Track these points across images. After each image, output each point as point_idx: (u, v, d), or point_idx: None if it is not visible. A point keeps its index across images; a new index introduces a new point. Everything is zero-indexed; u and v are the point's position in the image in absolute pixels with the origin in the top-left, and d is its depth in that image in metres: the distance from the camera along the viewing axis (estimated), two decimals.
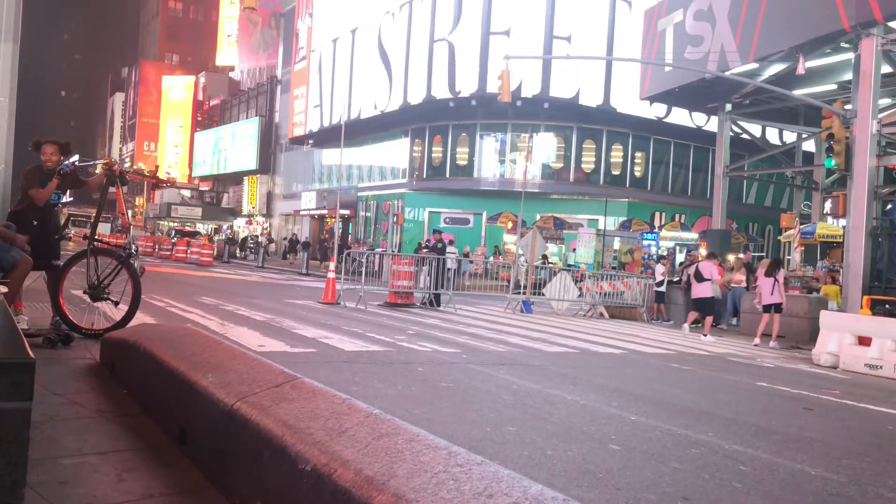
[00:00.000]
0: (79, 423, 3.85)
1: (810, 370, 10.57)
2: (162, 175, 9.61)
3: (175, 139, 71.88)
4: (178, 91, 72.80)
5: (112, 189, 6.98)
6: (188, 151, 69.46)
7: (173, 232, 47.86)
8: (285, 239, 46.99)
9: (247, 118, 57.67)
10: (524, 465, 4.11)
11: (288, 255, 41.09)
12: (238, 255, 41.88)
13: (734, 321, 16.97)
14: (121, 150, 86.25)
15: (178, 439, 3.50)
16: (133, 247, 6.88)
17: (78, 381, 4.89)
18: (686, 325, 14.73)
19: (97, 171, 7.11)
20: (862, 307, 13.49)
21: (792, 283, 19.35)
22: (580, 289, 18.76)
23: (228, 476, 2.90)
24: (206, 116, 68.73)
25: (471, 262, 26.31)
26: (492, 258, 25.87)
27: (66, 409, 4.10)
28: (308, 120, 43.37)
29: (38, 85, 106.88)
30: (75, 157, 6.84)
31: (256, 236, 48.57)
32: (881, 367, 10.37)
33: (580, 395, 6.49)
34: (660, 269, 18.31)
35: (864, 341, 10.92)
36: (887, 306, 13.00)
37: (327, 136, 40.69)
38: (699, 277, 14.07)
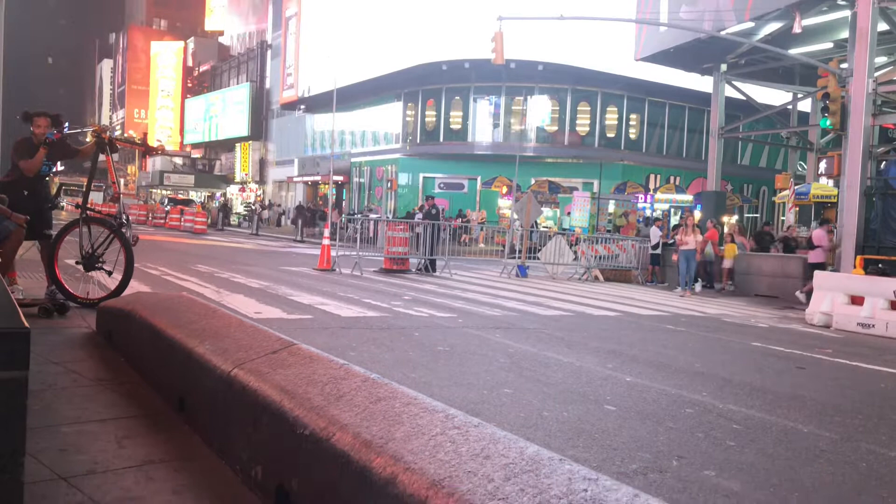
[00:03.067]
0: (77, 391, 3.86)
1: (804, 330, 10.66)
2: (152, 142, 9.51)
3: (165, 106, 71.03)
4: (167, 57, 71.74)
5: (102, 157, 6.91)
6: (179, 118, 68.75)
7: (166, 200, 47.62)
8: (279, 205, 46.72)
9: (237, 84, 57.00)
10: (520, 426, 4.15)
11: (289, 223, 40.39)
12: (233, 223, 41.72)
13: (696, 286, 15.94)
14: (111, 117, 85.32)
15: (177, 406, 3.52)
16: (124, 216, 6.84)
17: (75, 350, 4.90)
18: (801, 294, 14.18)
19: (87, 139, 7.04)
20: (855, 267, 13.54)
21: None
22: (575, 252, 18.80)
23: (228, 442, 2.92)
24: (196, 83, 67.88)
25: (481, 227, 26.48)
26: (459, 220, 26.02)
27: (64, 377, 4.11)
28: (299, 85, 42.87)
29: (25, 52, 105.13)
30: (65, 126, 6.77)
31: (250, 203, 48.33)
32: (873, 326, 10.46)
33: (575, 358, 6.54)
34: (656, 231, 18.34)
35: (856, 301, 11.00)
36: (880, 266, 13.05)
37: (319, 102, 40.29)
38: (811, 245, 14.71)
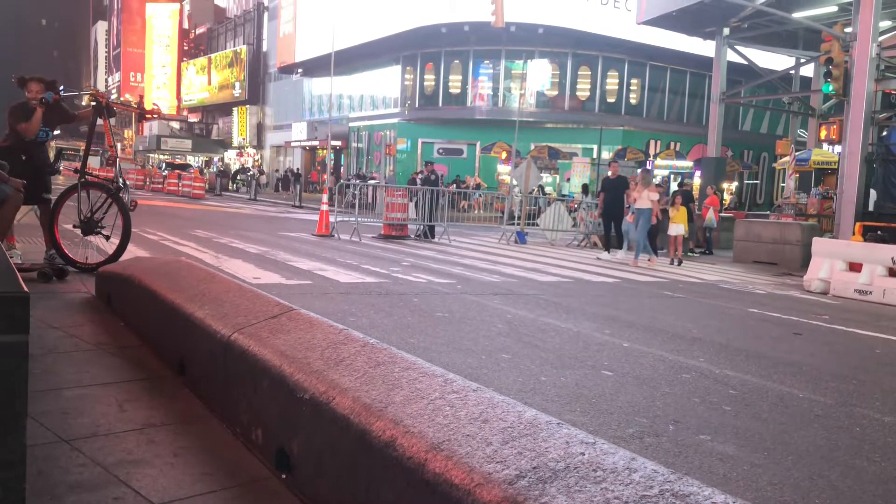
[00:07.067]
0: (78, 355, 3.88)
1: (801, 296, 10.71)
2: (149, 106, 9.42)
3: (161, 69, 70.16)
4: (162, 19, 70.65)
5: (100, 121, 6.86)
6: (175, 82, 68.00)
7: (164, 165, 47.33)
8: (276, 171, 46.49)
9: (234, 47, 56.27)
10: (518, 391, 4.18)
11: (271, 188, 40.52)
12: (230, 187, 41.58)
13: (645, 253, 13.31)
14: (106, 81, 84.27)
15: (178, 370, 3.54)
16: (121, 180, 6.80)
17: (75, 315, 4.91)
18: None
19: (84, 103, 6.98)
20: (854, 234, 13.55)
21: (785, 210, 19.40)
22: (574, 219, 18.77)
23: (228, 405, 2.94)
24: (192, 45, 67.02)
25: (477, 193, 26.54)
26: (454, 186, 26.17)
27: (64, 342, 4.13)
28: (297, 48, 42.30)
29: (17, 13, 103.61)
30: (61, 89, 6.70)
31: (248, 168, 48.08)
32: (870, 293, 10.51)
33: (573, 323, 6.57)
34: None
35: (854, 267, 11.04)
36: (879, 232, 13.05)
37: (317, 65, 39.80)
38: None
